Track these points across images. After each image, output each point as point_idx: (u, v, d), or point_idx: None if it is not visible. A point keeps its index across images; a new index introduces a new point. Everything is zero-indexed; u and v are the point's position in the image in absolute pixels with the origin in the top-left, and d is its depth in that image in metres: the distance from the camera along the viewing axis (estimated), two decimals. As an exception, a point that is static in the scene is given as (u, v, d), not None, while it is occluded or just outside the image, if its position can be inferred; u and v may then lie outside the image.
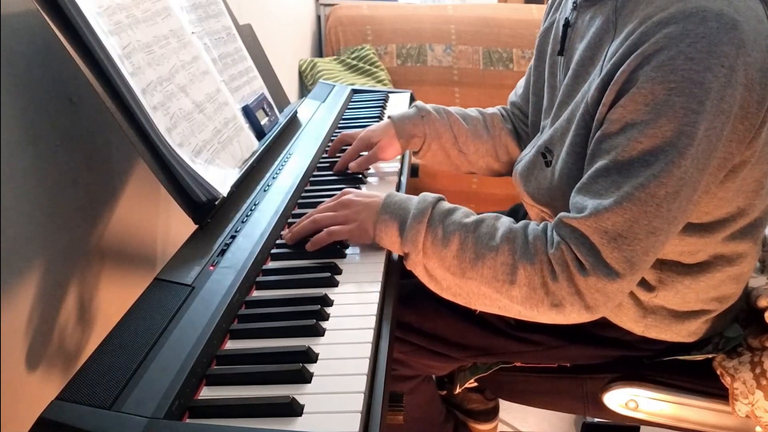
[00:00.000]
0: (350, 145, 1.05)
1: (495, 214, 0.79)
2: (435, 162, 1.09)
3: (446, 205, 0.79)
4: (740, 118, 0.68)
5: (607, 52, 0.76)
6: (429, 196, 0.79)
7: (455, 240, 0.74)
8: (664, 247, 0.71)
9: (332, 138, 1.20)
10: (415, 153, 1.08)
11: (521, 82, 1.14)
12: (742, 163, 0.73)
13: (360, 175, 1.02)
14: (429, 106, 1.07)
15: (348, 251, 0.81)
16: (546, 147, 0.88)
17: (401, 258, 0.80)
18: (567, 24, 0.88)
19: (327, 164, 1.08)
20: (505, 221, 0.77)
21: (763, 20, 0.69)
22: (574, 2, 0.87)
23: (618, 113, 0.70)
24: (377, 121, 1.27)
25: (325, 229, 0.80)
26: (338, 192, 0.86)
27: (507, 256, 0.73)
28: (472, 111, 1.12)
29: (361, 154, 1.04)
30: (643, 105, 0.68)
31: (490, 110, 1.14)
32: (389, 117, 1.06)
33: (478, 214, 0.79)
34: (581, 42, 0.83)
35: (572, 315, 0.72)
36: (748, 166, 0.74)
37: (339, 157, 1.05)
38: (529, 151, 0.93)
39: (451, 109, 1.10)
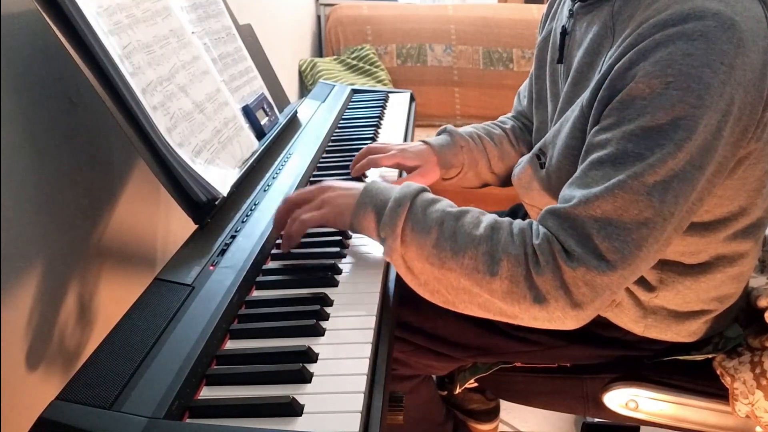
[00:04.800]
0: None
1: (480, 209, 0.76)
2: (464, 185, 1.07)
3: (429, 195, 0.76)
4: (736, 120, 0.67)
5: (605, 58, 0.76)
6: (413, 184, 0.76)
7: (436, 228, 0.71)
8: (659, 246, 0.69)
9: (332, 138, 1.20)
10: (445, 179, 1.05)
11: (524, 91, 1.14)
12: (740, 161, 0.73)
13: (360, 176, 1.02)
14: (463, 133, 1.05)
15: (348, 251, 0.81)
16: (540, 149, 0.88)
17: None
18: (564, 32, 0.88)
19: (327, 164, 1.08)
20: (490, 215, 0.74)
21: (761, 20, 0.68)
22: (570, 10, 0.87)
23: (614, 109, 0.70)
24: (377, 122, 1.27)
25: (298, 220, 0.78)
26: None
27: (489, 246, 0.69)
28: (494, 127, 1.11)
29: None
30: (640, 99, 0.67)
31: (507, 123, 1.13)
32: (426, 143, 1.03)
33: (464, 207, 0.78)
34: (579, 49, 0.83)
35: (556, 313, 0.68)
36: (746, 164, 0.74)
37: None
38: (527, 155, 0.93)
39: (477, 128, 1.09)
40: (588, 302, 0.67)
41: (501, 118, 1.16)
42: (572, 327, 0.70)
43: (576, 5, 0.85)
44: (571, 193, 0.70)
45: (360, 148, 1.04)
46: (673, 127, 0.66)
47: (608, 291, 0.68)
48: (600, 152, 0.70)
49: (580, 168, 0.72)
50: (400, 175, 1.03)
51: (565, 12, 0.89)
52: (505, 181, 1.10)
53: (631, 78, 0.68)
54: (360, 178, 1.01)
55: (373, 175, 1.03)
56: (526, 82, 1.13)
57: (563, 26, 0.88)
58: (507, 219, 0.74)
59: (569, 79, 0.84)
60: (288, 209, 0.80)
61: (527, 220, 0.73)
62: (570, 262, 0.67)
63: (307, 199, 0.80)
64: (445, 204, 0.75)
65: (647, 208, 0.66)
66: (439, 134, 1.07)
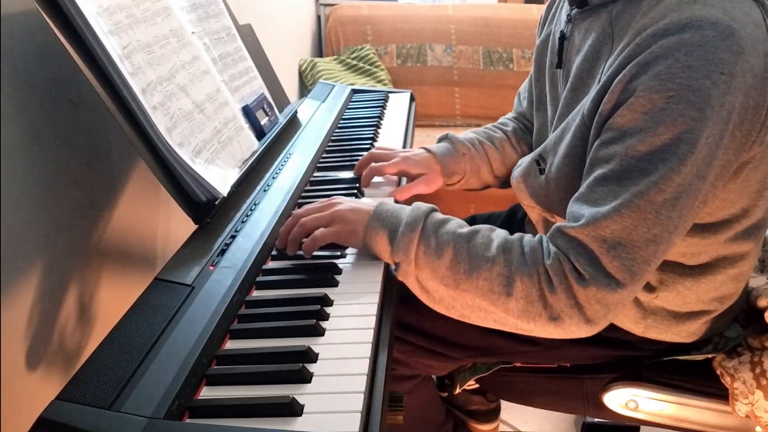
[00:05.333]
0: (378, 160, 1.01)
1: (490, 225, 0.77)
2: (465, 188, 1.08)
3: (439, 215, 0.77)
4: (737, 125, 0.68)
5: (605, 65, 0.76)
6: (422, 206, 0.78)
7: (449, 250, 0.73)
8: (665, 255, 0.70)
9: (332, 138, 1.20)
10: (447, 185, 1.06)
11: (524, 92, 1.14)
12: (743, 165, 0.73)
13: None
14: (464, 140, 1.05)
15: (348, 251, 0.81)
16: (540, 155, 0.88)
17: None
18: (563, 37, 0.87)
19: (327, 164, 1.08)
20: (501, 232, 0.76)
21: (760, 24, 0.68)
22: (568, 15, 0.87)
23: (616, 123, 0.70)
24: (377, 122, 1.27)
25: (310, 236, 0.78)
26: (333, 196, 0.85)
27: (503, 268, 0.71)
28: (495, 131, 1.11)
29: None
30: (641, 114, 0.67)
31: (508, 126, 1.13)
32: (428, 150, 1.03)
33: (477, 214, 0.79)
34: (578, 55, 0.83)
35: (571, 328, 0.71)
36: (749, 168, 0.74)
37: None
38: (527, 158, 0.93)
39: (478, 132, 1.09)
40: (601, 317, 0.70)
41: (502, 119, 1.16)
42: (585, 336, 0.73)
43: (574, 11, 0.85)
44: (580, 210, 0.71)
45: (360, 148, 1.04)
46: (675, 142, 0.66)
47: (620, 305, 0.70)
48: (604, 168, 0.70)
49: (585, 183, 0.73)
50: (399, 183, 1.03)
51: (563, 16, 0.89)
52: (507, 182, 1.10)
53: (631, 92, 0.68)
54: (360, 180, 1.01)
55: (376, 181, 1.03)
56: (526, 83, 1.13)
57: (561, 31, 0.88)
58: (517, 236, 0.75)
59: (568, 85, 0.84)
60: (295, 223, 0.80)
61: (537, 236, 0.74)
62: (581, 281, 0.68)
63: (316, 211, 0.81)
64: (455, 225, 0.76)
65: (655, 225, 0.67)
66: (439, 141, 1.07)
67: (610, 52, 0.76)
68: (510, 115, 1.17)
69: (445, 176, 1.02)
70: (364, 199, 0.82)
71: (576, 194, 0.74)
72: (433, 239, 0.74)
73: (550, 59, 0.93)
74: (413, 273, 0.74)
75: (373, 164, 0.99)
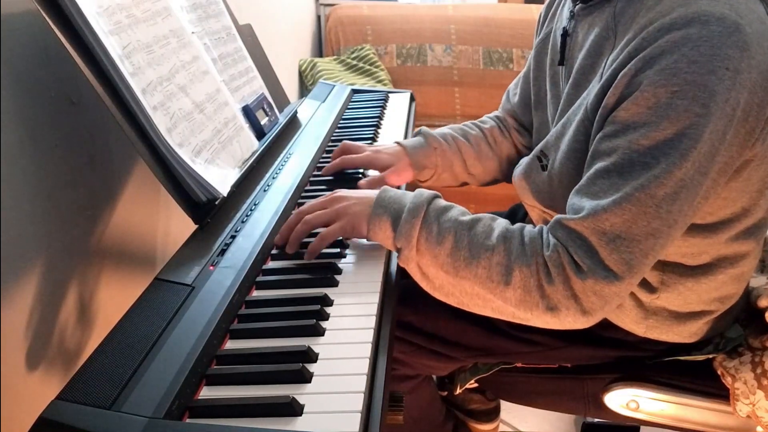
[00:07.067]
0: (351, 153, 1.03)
1: (491, 215, 0.77)
2: (441, 185, 1.07)
3: (442, 202, 0.78)
4: (741, 121, 0.68)
5: (607, 60, 0.76)
6: (425, 192, 0.78)
7: (450, 238, 0.73)
8: (664, 250, 0.70)
9: (332, 138, 1.20)
10: (420, 181, 1.06)
11: (514, 89, 1.14)
12: (745, 163, 0.73)
13: (359, 175, 1.02)
14: (437, 134, 1.06)
15: (348, 251, 0.81)
16: (541, 151, 0.88)
17: None
18: (565, 33, 0.87)
19: (327, 164, 1.08)
20: (502, 222, 0.76)
21: (765, 21, 0.68)
22: (571, 11, 0.87)
23: (620, 116, 0.70)
24: (377, 122, 1.27)
25: (318, 236, 0.79)
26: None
27: (502, 257, 0.71)
28: (471, 128, 1.11)
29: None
30: (645, 108, 0.67)
31: (487, 123, 1.13)
32: (399, 144, 1.04)
33: (476, 214, 0.78)
34: (581, 51, 0.83)
35: (568, 319, 0.71)
36: (751, 166, 0.74)
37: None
38: (527, 156, 0.93)
39: (454, 129, 1.09)
40: (597, 309, 0.70)
41: (483, 117, 1.16)
42: (582, 327, 0.73)
43: (577, 6, 0.85)
44: (580, 203, 0.71)
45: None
46: (678, 137, 0.66)
47: (617, 298, 0.70)
48: (606, 161, 0.70)
49: (586, 175, 0.73)
50: (364, 174, 1.03)
51: (566, 13, 0.89)
52: (484, 181, 1.11)
53: (636, 86, 0.68)
54: (343, 175, 1.01)
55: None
56: (517, 81, 1.13)
57: (564, 28, 0.88)
58: (518, 226, 0.75)
59: (570, 81, 0.84)
60: (298, 220, 0.81)
61: (537, 227, 0.74)
62: (579, 273, 0.68)
63: (319, 207, 0.81)
64: (458, 212, 0.76)
65: (655, 219, 0.67)
66: (414, 136, 1.07)
67: (612, 48, 0.76)
68: (493, 113, 1.17)
69: (415, 169, 1.02)
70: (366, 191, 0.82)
71: (576, 186, 0.74)
72: (435, 226, 0.74)
73: (551, 57, 0.93)
74: (414, 259, 0.75)
75: (342, 157, 1.00)
